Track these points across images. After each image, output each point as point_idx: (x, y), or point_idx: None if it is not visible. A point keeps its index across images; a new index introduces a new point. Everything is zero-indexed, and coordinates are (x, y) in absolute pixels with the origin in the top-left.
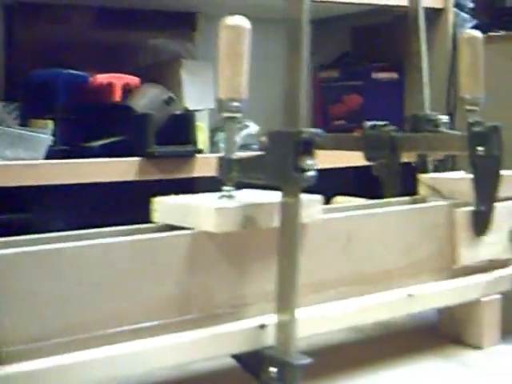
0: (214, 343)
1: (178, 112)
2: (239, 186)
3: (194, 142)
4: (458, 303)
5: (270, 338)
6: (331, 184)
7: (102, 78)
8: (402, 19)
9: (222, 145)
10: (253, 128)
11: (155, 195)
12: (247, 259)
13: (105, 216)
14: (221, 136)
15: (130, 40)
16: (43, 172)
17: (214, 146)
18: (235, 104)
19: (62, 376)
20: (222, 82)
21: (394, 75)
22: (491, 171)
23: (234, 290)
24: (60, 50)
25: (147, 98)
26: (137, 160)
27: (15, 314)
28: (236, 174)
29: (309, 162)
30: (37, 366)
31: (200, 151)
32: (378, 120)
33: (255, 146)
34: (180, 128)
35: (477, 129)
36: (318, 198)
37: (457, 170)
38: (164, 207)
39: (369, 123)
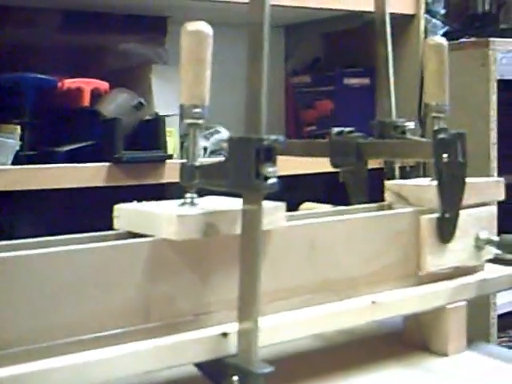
0: (175, 352)
1: (147, 117)
2: (203, 193)
3: (164, 148)
4: (423, 310)
5: (232, 347)
6: (302, 190)
7: (70, 83)
8: (373, 24)
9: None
10: (224, 133)
11: (124, 201)
12: (209, 267)
13: (73, 222)
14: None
15: (100, 44)
16: (10, 177)
17: (184, 151)
18: (197, 110)
19: None
20: (184, 88)
21: (366, 81)
22: (456, 178)
23: (195, 297)
24: (28, 54)
25: (116, 103)
26: (105, 165)
27: None
28: (198, 180)
29: (270, 169)
30: None
31: (170, 157)
32: (349, 126)
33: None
34: (150, 133)
35: (442, 136)
36: (281, 204)
37: (428, 176)
38: (125, 214)
39: (336, 129)
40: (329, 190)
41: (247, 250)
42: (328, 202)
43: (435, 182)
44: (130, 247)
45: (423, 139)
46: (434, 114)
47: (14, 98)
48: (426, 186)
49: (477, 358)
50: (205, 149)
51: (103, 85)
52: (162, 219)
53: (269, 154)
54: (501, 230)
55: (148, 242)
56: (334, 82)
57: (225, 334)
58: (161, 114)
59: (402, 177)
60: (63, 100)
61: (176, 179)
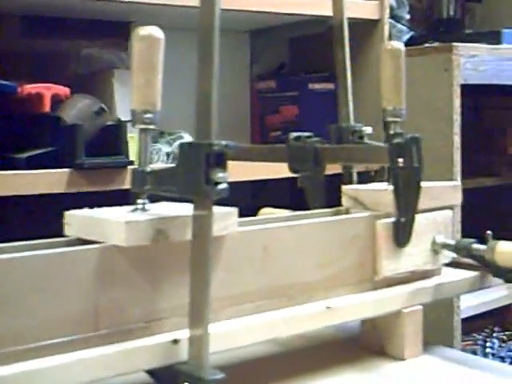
0: (125, 359)
1: (109, 123)
2: (156, 199)
3: (126, 154)
4: (379, 315)
5: (183, 354)
6: (267, 196)
7: (30, 88)
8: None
9: (155, 156)
10: (188, 139)
11: (86, 208)
12: (160, 273)
13: (34, 229)
14: (153, 147)
15: (63, 49)
16: None
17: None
18: (149, 115)
19: None
20: (136, 93)
21: (331, 86)
22: (411, 183)
23: (146, 304)
24: None
25: (77, 109)
26: (66, 171)
27: None
28: (149, 186)
29: (220, 174)
30: None
31: (131, 162)
32: (313, 131)
33: None
34: (111, 139)
35: (397, 140)
36: (233, 210)
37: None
38: (76, 220)
39: (294, 134)
40: (292, 196)
41: (198, 255)
42: (292, 208)
43: (392, 187)
44: (78, 254)
45: (379, 144)
46: (391, 119)
47: None
48: (382, 191)
49: (434, 361)
50: (168, 154)
51: (64, 90)
52: (111, 225)
53: (219, 160)
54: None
55: (97, 249)
56: (299, 87)
57: (176, 341)
58: (123, 119)
59: (366, 182)
60: (23, 106)
61: None
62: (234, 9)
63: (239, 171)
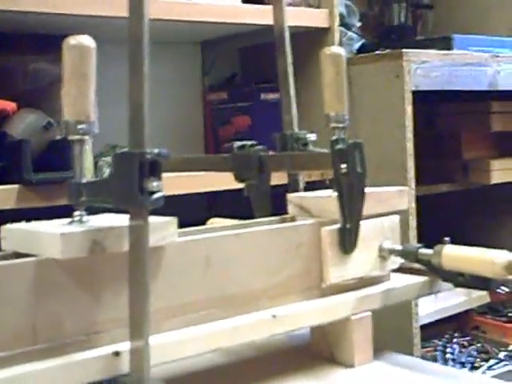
0: (65, 373)
1: (57, 137)
2: (96, 211)
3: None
4: (327, 322)
5: (125, 366)
6: (221, 207)
7: None
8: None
9: (106, 170)
10: None
11: None
12: (98, 285)
13: None
14: (105, 161)
15: (9, 65)
16: None
17: (98, 171)
18: (82, 126)
19: None
20: (67, 104)
21: None
22: (355, 188)
23: (85, 317)
24: None
25: (24, 124)
26: (15, 187)
27: None
28: (85, 198)
29: (155, 183)
30: None
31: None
32: (266, 141)
33: None
34: (61, 154)
35: (339, 146)
36: (172, 219)
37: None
38: (11, 234)
39: (238, 143)
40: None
41: (135, 267)
42: (245, 218)
43: (336, 194)
44: (13, 267)
45: (322, 150)
46: (334, 125)
47: None
48: (326, 198)
49: (384, 368)
50: None
51: (11, 105)
52: (45, 238)
53: (153, 168)
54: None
55: (32, 262)
56: (251, 97)
57: (117, 353)
58: None
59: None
60: None
61: None
62: (184, 19)
63: (192, 183)
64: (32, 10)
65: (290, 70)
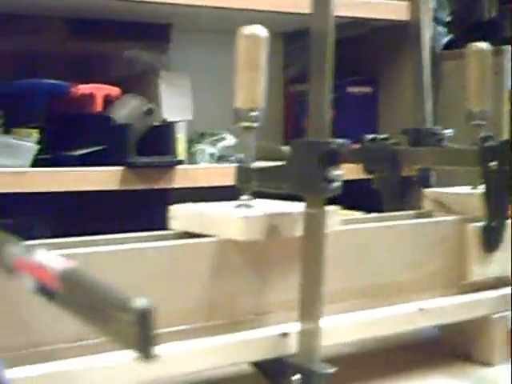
0: (235, 350)
1: (157, 123)
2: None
3: (174, 153)
4: (469, 318)
5: (291, 347)
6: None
7: (83, 89)
8: (378, 32)
9: (199, 156)
10: (230, 140)
11: (132, 205)
12: (269, 268)
13: (86, 224)
14: (197, 147)
15: (105, 51)
16: (29, 179)
17: (191, 157)
18: (253, 114)
19: None
20: (240, 91)
21: (368, 89)
22: (503, 186)
23: (255, 297)
24: (35, 61)
25: (127, 109)
26: (119, 169)
27: None
28: (255, 183)
29: (335, 172)
30: None
31: (180, 162)
32: (349, 134)
33: (233, 158)
34: (159, 139)
35: (489, 143)
36: (337, 208)
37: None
38: (182, 215)
39: (369, 136)
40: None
41: (309, 252)
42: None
43: (478, 190)
44: (197, 246)
45: (466, 147)
46: (476, 122)
47: (28, 103)
48: (469, 194)
49: None
50: (211, 155)
51: (115, 91)
52: (224, 220)
53: (334, 158)
54: None
55: (213, 242)
56: (337, 90)
57: (285, 334)
58: (169, 120)
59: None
60: (76, 105)
61: (185, 184)
62: (268, 10)
63: None
64: None
65: (426, 64)
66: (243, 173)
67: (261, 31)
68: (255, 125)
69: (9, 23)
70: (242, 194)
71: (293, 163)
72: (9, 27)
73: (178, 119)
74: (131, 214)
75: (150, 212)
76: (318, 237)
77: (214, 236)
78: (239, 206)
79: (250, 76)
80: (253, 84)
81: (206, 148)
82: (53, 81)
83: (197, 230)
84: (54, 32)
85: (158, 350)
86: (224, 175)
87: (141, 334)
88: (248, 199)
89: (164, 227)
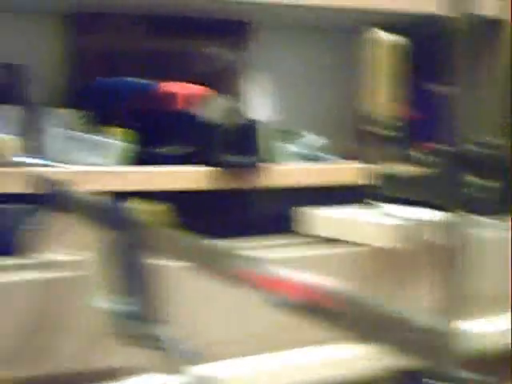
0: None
1: (243, 122)
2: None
3: (259, 152)
4: None
5: None
6: None
7: (168, 87)
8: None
9: (282, 155)
10: (309, 138)
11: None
12: (405, 273)
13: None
14: (280, 146)
15: (185, 48)
16: (128, 178)
17: (272, 156)
18: (396, 124)
19: None
20: (375, 97)
21: (444, 89)
22: None
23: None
24: (117, 59)
25: (213, 107)
26: (211, 169)
27: None
28: (396, 190)
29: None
30: None
31: (265, 161)
32: (425, 134)
33: (312, 157)
34: (245, 138)
35: None
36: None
37: None
38: (315, 219)
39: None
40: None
41: (454, 259)
42: None
43: None
44: (353, 254)
45: None
46: None
47: (113, 102)
48: None
49: None
50: (295, 154)
51: (199, 89)
52: (369, 227)
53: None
54: None
55: (365, 251)
56: (412, 87)
57: None
58: (253, 118)
59: None
60: (161, 103)
61: (269, 184)
62: (349, 7)
63: None
64: None
65: None
66: (385, 179)
67: (399, 39)
68: (396, 134)
69: (92, 22)
70: (371, 199)
71: (441, 175)
72: (92, 25)
73: (261, 118)
74: (216, 213)
75: (234, 212)
76: (463, 244)
77: (352, 242)
78: (380, 213)
79: (384, 82)
80: (387, 90)
81: (289, 147)
82: (137, 79)
83: (335, 236)
84: (134, 30)
85: None
86: (309, 175)
87: None
88: (381, 205)
89: (246, 227)
